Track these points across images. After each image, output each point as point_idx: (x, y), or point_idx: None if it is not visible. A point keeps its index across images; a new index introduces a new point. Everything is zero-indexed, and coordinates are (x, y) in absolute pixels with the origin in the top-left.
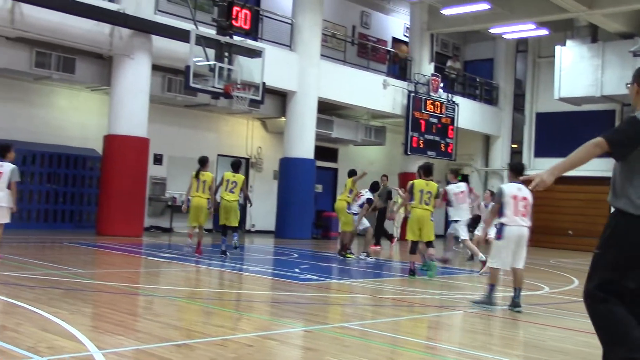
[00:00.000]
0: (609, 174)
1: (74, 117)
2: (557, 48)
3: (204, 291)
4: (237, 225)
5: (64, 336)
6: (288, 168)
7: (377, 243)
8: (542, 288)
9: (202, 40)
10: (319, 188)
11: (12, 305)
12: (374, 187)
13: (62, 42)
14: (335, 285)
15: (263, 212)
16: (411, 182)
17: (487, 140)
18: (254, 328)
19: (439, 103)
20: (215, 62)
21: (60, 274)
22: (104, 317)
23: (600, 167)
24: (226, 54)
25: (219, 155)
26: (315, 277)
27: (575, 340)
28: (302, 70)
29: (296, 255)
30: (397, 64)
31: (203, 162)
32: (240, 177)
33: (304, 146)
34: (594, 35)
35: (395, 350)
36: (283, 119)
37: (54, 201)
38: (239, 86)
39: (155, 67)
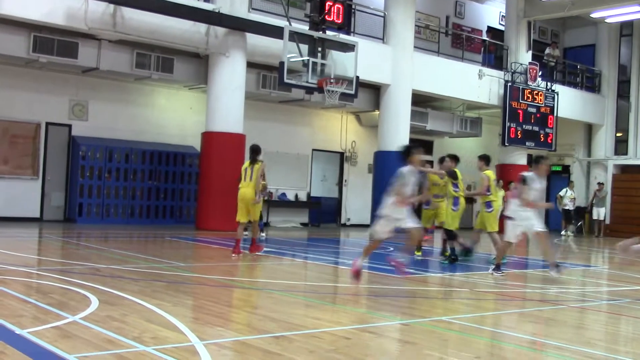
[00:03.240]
0: None
1: (172, 115)
2: None
3: (301, 284)
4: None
5: (167, 327)
6: (382, 161)
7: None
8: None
9: (295, 36)
10: None
11: (118, 297)
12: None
13: (160, 43)
14: (432, 279)
15: (358, 206)
16: (487, 174)
17: (589, 130)
18: (351, 321)
19: (537, 92)
20: (308, 58)
21: (163, 267)
22: (204, 309)
23: None
24: (319, 49)
25: (314, 150)
26: (411, 270)
27: None
28: (396, 62)
29: (392, 249)
30: (492, 54)
31: (257, 150)
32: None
33: (398, 139)
34: None
35: (495, 345)
36: (377, 112)
37: (155, 197)
38: (332, 81)
39: (250, 64)
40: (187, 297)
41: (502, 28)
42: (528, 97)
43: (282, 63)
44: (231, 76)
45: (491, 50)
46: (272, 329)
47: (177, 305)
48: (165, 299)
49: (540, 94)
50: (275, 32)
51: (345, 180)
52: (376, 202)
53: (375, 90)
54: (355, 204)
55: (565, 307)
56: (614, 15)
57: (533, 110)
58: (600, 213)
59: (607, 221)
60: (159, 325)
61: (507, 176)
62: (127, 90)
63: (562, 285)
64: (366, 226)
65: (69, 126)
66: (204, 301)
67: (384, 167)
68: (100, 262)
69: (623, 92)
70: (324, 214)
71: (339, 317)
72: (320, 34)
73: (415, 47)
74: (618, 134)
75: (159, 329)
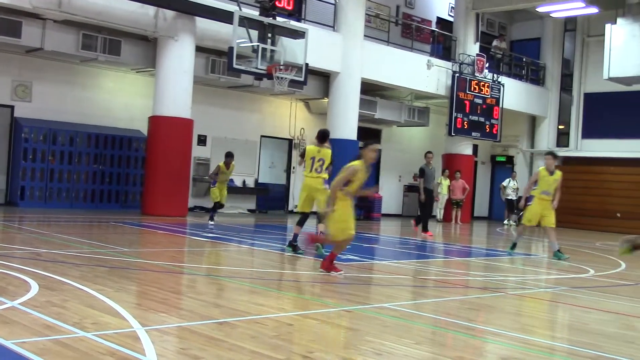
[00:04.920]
0: None
1: (119, 99)
2: (608, 26)
3: (246, 270)
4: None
5: (109, 313)
6: (331, 149)
7: (426, 229)
8: (587, 271)
9: (246, 22)
10: None
11: (59, 282)
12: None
13: (107, 25)
14: (377, 266)
15: None
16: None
17: (533, 121)
18: (294, 307)
19: (484, 83)
20: (258, 44)
21: (106, 252)
22: (148, 295)
23: None
24: (269, 35)
25: (262, 136)
26: (356, 257)
27: (619, 323)
28: (346, 51)
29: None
30: (441, 44)
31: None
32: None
33: (347, 127)
34: None
35: (435, 331)
36: (326, 100)
37: (100, 181)
38: (281, 67)
39: (199, 49)
40: (131, 283)
41: (451, 19)
42: (475, 88)
43: (231, 48)
44: (180, 60)
45: (440, 41)
46: (216, 315)
47: (120, 291)
48: (107, 284)
49: (487, 86)
50: (225, 16)
51: (294, 167)
52: None
53: (324, 78)
54: None
55: (504, 294)
56: (559, 10)
57: (479, 101)
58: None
59: None
60: (100, 311)
61: (454, 166)
62: (73, 71)
63: (503, 273)
64: (313, 213)
65: (12, 107)
66: (148, 287)
67: (333, 154)
68: (41, 246)
69: (566, 85)
70: (271, 200)
71: (283, 303)
72: (270, 20)
73: (365, 35)
74: (560, 127)
75: (100, 315)
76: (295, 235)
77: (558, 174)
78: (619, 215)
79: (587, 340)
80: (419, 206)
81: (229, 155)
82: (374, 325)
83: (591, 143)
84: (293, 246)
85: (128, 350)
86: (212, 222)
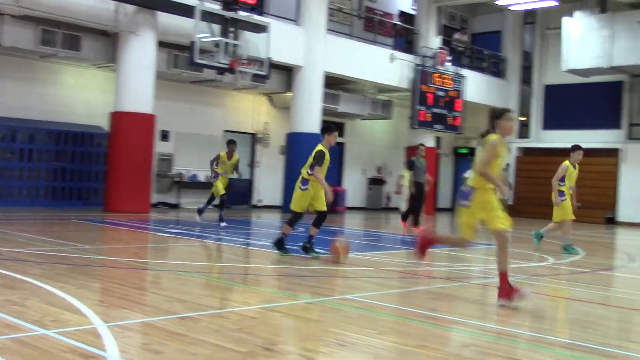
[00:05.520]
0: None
1: (80, 95)
2: (565, 19)
3: (211, 265)
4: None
5: (70, 310)
6: (295, 143)
7: (417, 223)
8: (547, 259)
9: (208, 16)
10: None
11: (19, 280)
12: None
13: (67, 20)
14: (341, 259)
15: (270, 187)
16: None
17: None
18: (258, 301)
19: (446, 76)
20: (220, 38)
21: (68, 250)
22: (110, 292)
23: (607, 139)
24: (232, 29)
25: (226, 131)
26: (321, 250)
27: (576, 309)
28: (309, 44)
29: (303, 230)
30: (403, 38)
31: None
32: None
33: (310, 121)
34: (602, 5)
35: (398, 321)
36: (289, 94)
37: (61, 179)
38: (244, 61)
39: (161, 44)
40: (93, 280)
41: (414, 12)
42: (437, 81)
43: (193, 43)
44: (141, 55)
45: (402, 34)
46: (178, 310)
47: (82, 288)
48: (69, 282)
49: (449, 78)
50: (186, 11)
51: (257, 162)
52: (289, 183)
53: (288, 72)
54: (267, 185)
55: (467, 284)
56: (518, 3)
57: (441, 93)
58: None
59: (510, 202)
60: (61, 308)
61: None
62: (32, 68)
63: (466, 263)
64: (278, 207)
65: None
66: (110, 283)
67: (296, 148)
68: (1, 245)
69: (526, 77)
70: (235, 195)
71: (247, 297)
72: (232, 14)
73: (328, 29)
74: (521, 118)
75: (60, 312)
76: (283, 236)
77: (577, 167)
78: (579, 204)
79: (547, 326)
80: (410, 201)
81: (231, 143)
82: (338, 317)
83: (551, 134)
84: (306, 248)
85: (89, 347)
86: (223, 223)
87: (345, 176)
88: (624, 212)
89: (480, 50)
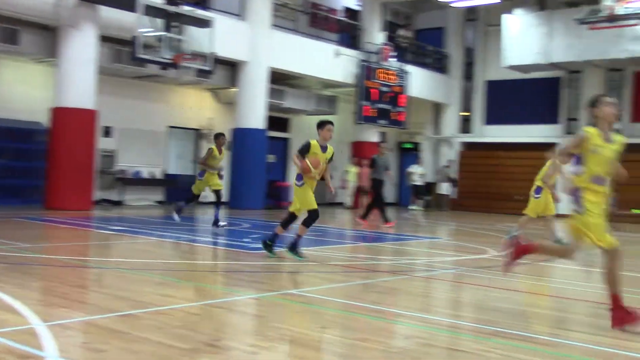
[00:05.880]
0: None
1: (19, 90)
2: (505, 16)
3: (154, 262)
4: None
5: (7, 310)
6: (240, 138)
7: (387, 219)
8: (487, 252)
9: (150, 10)
10: (272, 158)
11: None
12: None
13: (4, 13)
14: (284, 254)
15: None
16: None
17: (437, 109)
18: (201, 297)
19: (390, 72)
20: (163, 33)
21: (6, 248)
22: (49, 291)
23: (546, 133)
24: (175, 24)
25: (170, 126)
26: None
27: (514, 299)
28: (253, 40)
29: (248, 225)
30: (348, 34)
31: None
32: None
33: (255, 116)
34: (541, 3)
35: (342, 315)
36: (234, 89)
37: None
38: (188, 56)
39: (103, 38)
40: (32, 279)
41: (358, 8)
42: (381, 77)
43: (135, 37)
44: (82, 50)
45: (347, 30)
46: (120, 308)
47: (20, 288)
48: (7, 281)
49: (393, 74)
50: (128, 5)
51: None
52: (235, 179)
53: (232, 67)
54: None
55: (409, 277)
56: (460, 0)
57: (386, 89)
58: (446, 188)
59: (454, 196)
60: None
61: (361, 153)
62: None
63: (409, 257)
64: (224, 203)
65: None
66: (50, 282)
67: (242, 144)
68: None
69: (469, 73)
70: (180, 191)
71: (191, 293)
72: (175, 8)
73: (273, 24)
74: (463, 113)
75: None
76: (275, 236)
77: None
78: (519, 197)
79: (487, 317)
80: (372, 199)
81: (221, 136)
82: (281, 312)
83: (493, 129)
84: (293, 248)
85: (27, 347)
86: (222, 222)
87: (290, 171)
88: (561, 205)
89: (424, 46)
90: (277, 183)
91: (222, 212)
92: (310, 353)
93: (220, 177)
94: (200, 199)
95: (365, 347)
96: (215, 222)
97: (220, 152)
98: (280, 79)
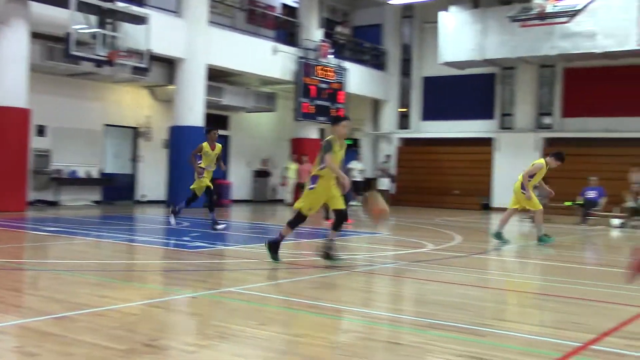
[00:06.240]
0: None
1: None
2: (440, 13)
3: (91, 263)
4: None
5: None
6: (178, 136)
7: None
8: (425, 246)
9: (84, 7)
10: None
11: None
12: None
13: None
14: (225, 252)
15: (154, 182)
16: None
17: (376, 105)
18: (139, 297)
19: (328, 69)
20: (97, 29)
21: None
22: None
23: (481, 128)
24: (109, 20)
25: (106, 125)
26: (205, 244)
27: (453, 292)
28: (190, 36)
29: (187, 224)
30: (286, 30)
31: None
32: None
33: (193, 114)
34: (475, 1)
35: (281, 312)
36: (172, 86)
37: None
38: (123, 54)
39: (36, 35)
40: None
41: (296, 5)
42: (319, 74)
43: (68, 34)
44: (13, 47)
45: (285, 26)
46: (55, 310)
47: None
48: None
49: (331, 71)
50: (61, 1)
51: (140, 156)
52: (173, 178)
53: (169, 64)
54: (151, 180)
55: (349, 272)
56: None
57: (324, 86)
58: (386, 184)
59: (393, 191)
60: None
61: (301, 150)
62: None
63: (350, 252)
64: (162, 202)
65: None
66: None
67: (180, 142)
68: None
69: (406, 69)
70: (118, 190)
71: (128, 294)
72: (110, 4)
73: (210, 21)
74: (401, 109)
75: None
76: (280, 238)
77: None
78: (457, 192)
79: (425, 310)
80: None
81: (212, 130)
82: (221, 310)
83: (430, 124)
84: (327, 255)
85: None
86: (220, 225)
87: (230, 169)
88: (498, 198)
89: (362, 43)
90: (216, 181)
91: (166, 211)
92: (249, 350)
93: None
94: (140, 198)
95: (305, 342)
96: (214, 224)
97: (213, 147)
98: (218, 76)
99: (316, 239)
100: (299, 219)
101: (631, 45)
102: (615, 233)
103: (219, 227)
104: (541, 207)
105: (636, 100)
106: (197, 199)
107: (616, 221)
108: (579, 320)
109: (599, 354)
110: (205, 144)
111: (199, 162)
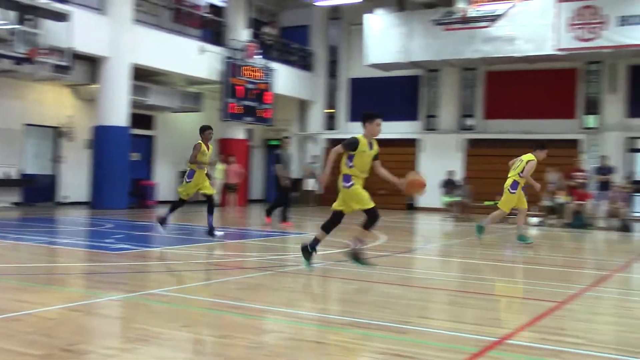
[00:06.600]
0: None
1: None
2: (366, 16)
3: (9, 267)
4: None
5: None
6: (102, 136)
7: (285, 219)
8: (349, 245)
9: (3, 2)
10: (136, 156)
11: None
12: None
13: None
14: (149, 254)
15: (76, 182)
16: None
17: (303, 106)
18: (59, 301)
19: (255, 69)
20: (17, 26)
21: None
22: None
23: (407, 129)
24: (29, 17)
25: (26, 124)
26: (129, 246)
27: (376, 291)
28: (114, 34)
29: (111, 225)
30: (213, 30)
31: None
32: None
33: (118, 114)
34: (401, 4)
35: (204, 313)
36: (95, 85)
37: None
38: (44, 51)
39: None
40: None
41: (223, 5)
42: (246, 74)
43: None
44: None
45: (211, 26)
46: None
47: None
48: None
49: (258, 71)
50: None
51: (62, 157)
52: (96, 178)
53: (93, 63)
54: (73, 180)
55: (274, 272)
56: None
57: (251, 86)
58: (312, 184)
59: (320, 191)
60: None
61: (228, 150)
62: None
63: (275, 253)
64: (85, 204)
65: None
66: None
67: (103, 142)
68: None
69: (333, 71)
70: (38, 192)
71: (46, 298)
72: (30, 0)
73: (135, 19)
74: (328, 110)
75: None
76: (316, 241)
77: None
78: (382, 192)
79: (349, 309)
80: (277, 195)
81: (207, 129)
82: (142, 312)
83: (356, 126)
84: (356, 256)
85: None
86: (219, 232)
87: (155, 170)
88: (423, 198)
89: (289, 43)
90: (141, 182)
91: (89, 213)
92: (170, 353)
93: (209, 177)
94: (62, 199)
95: (228, 343)
96: (210, 231)
97: (207, 147)
98: (143, 76)
99: (243, 241)
100: (335, 220)
101: (548, 50)
102: (533, 231)
103: (218, 234)
104: (526, 206)
105: (553, 103)
106: (183, 204)
107: (534, 219)
108: (496, 316)
109: (514, 347)
110: (201, 143)
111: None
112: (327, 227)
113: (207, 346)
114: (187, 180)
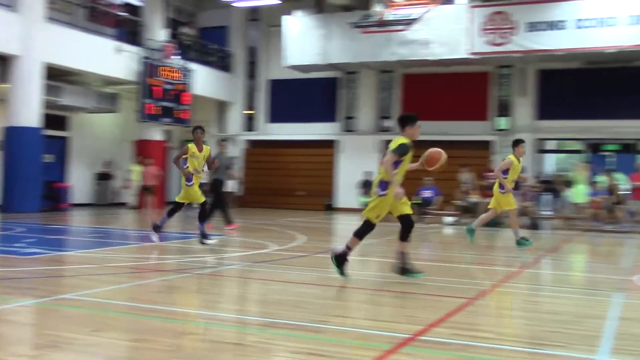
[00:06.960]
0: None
1: None
2: (284, 17)
3: None
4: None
5: None
6: (12, 138)
7: (229, 221)
8: (269, 246)
9: None
10: (49, 158)
11: None
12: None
13: None
14: (62, 258)
15: None
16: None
17: (221, 107)
18: None
19: (173, 69)
20: None
21: None
22: None
23: (325, 131)
24: None
25: None
26: (41, 250)
27: (293, 291)
28: (26, 32)
29: (22, 229)
30: (130, 29)
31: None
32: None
33: (29, 114)
34: (319, 6)
35: (118, 317)
36: (6, 85)
37: None
38: None
39: None
40: None
41: (140, 4)
42: (164, 74)
43: None
44: None
45: (128, 25)
46: None
47: None
48: None
49: (177, 72)
50: None
51: None
52: (8, 180)
53: (3, 62)
54: None
55: (191, 274)
56: (241, 0)
57: (169, 87)
58: (232, 185)
59: (240, 193)
60: None
61: (145, 152)
62: None
63: (194, 255)
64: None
65: None
66: None
67: (14, 143)
68: None
69: (252, 72)
70: None
71: None
72: None
73: (48, 17)
74: (248, 111)
75: None
76: (348, 250)
77: (521, 160)
78: (301, 193)
79: (266, 309)
80: (214, 200)
81: (199, 129)
82: (53, 318)
83: (276, 127)
84: (403, 269)
85: None
86: (211, 240)
87: (70, 172)
88: (341, 199)
89: (207, 44)
90: (55, 184)
91: None
92: (82, 358)
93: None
94: None
95: (143, 347)
96: (204, 237)
97: (200, 149)
98: (57, 75)
99: (161, 243)
100: (367, 228)
101: (461, 54)
102: (448, 230)
103: (210, 242)
104: (515, 207)
105: (466, 106)
106: (180, 209)
107: (449, 219)
108: (410, 313)
109: (426, 343)
110: (191, 145)
111: (185, 166)
112: (360, 234)
113: (121, 350)
114: (188, 184)
